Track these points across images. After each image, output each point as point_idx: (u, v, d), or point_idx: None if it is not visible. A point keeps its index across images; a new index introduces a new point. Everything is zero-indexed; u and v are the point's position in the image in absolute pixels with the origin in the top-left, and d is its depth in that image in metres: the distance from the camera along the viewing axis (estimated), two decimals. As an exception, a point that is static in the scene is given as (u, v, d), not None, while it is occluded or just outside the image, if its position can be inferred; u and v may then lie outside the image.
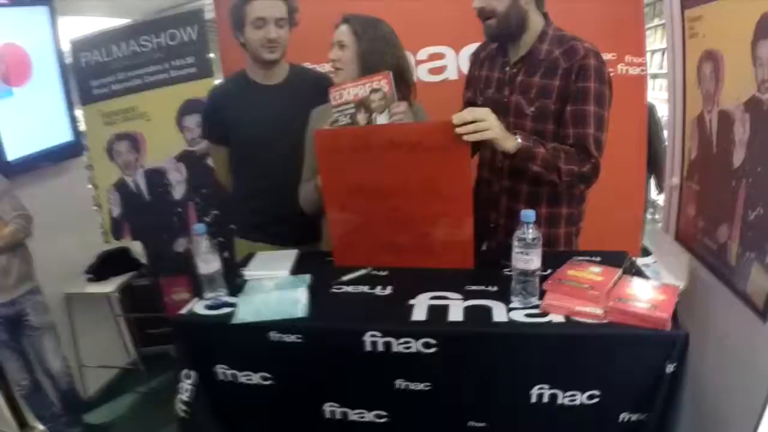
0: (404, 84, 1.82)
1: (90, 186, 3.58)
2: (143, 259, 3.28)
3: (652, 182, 3.93)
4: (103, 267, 3.21)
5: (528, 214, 1.33)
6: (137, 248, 3.31)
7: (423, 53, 2.64)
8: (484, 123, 1.50)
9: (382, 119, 1.70)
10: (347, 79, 1.77)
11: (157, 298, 3.37)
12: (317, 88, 1.95)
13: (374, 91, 1.69)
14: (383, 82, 1.68)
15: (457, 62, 2.62)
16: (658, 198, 4.09)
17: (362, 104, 1.70)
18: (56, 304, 2.95)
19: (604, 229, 2.47)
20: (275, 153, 2.06)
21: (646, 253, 2.71)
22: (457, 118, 1.50)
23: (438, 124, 1.59)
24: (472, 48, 2.15)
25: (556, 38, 1.73)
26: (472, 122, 1.49)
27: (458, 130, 1.49)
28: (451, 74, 2.63)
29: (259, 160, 2.11)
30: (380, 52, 1.80)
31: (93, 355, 3.21)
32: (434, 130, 1.59)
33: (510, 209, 1.80)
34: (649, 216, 4.31)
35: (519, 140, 1.57)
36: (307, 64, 2.39)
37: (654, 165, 3.49)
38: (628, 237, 2.60)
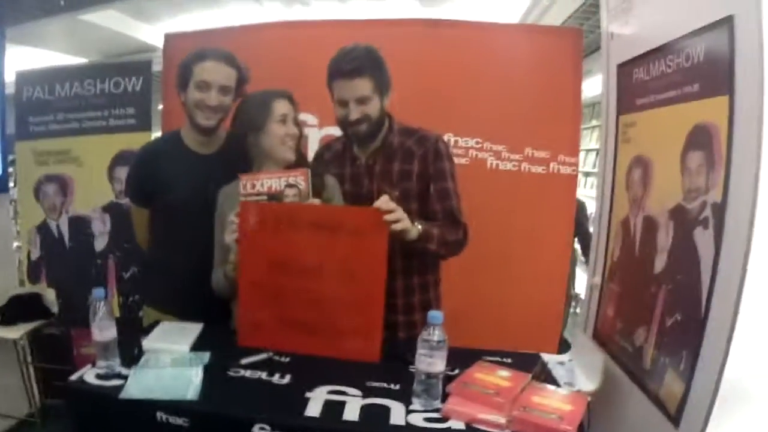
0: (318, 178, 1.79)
1: (14, 224, 3.44)
2: (54, 308, 3.11)
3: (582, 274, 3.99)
4: (12, 311, 3.00)
5: (435, 316, 1.30)
6: (51, 295, 3.14)
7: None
8: (400, 213, 1.57)
9: None
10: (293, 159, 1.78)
11: (67, 350, 3.19)
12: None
13: (289, 186, 1.67)
14: (300, 179, 1.67)
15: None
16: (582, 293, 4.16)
17: (274, 198, 1.67)
18: (-43, 346, 2.73)
19: (524, 321, 2.49)
20: (198, 226, 1.89)
21: (566, 346, 2.72)
22: (384, 204, 1.54)
23: (362, 209, 1.62)
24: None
25: (402, 131, 1.90)
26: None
27: (387, 217, 1.54)
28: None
29: (180, 231, 1.97)
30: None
31: (-9, 403, 2.97)
32: (357, 215, 1.62)
33: (388, 286, 1.76)
34: (573, 310, 4.39)
35: (419, 226, 1.66)
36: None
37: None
38: (547, 330, 2.59)
